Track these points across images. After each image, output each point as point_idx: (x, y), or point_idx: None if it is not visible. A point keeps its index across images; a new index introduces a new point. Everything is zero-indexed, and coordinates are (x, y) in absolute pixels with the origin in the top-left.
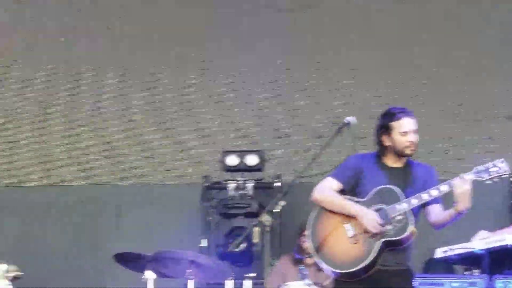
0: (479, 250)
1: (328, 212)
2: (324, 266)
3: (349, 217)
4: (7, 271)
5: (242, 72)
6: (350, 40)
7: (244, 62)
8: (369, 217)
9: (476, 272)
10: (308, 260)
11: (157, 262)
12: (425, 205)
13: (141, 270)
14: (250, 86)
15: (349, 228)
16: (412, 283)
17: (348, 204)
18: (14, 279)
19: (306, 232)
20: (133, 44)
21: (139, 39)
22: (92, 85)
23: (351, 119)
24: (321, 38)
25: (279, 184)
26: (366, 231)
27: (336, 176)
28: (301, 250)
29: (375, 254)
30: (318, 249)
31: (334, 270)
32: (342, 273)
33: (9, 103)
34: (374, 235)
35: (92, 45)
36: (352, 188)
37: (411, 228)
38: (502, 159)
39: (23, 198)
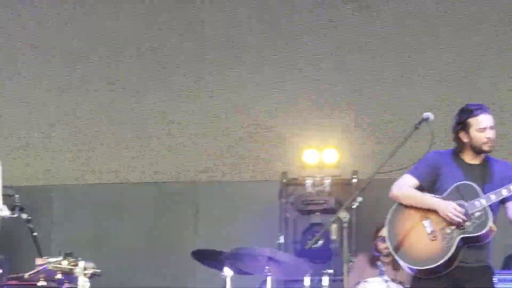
0: None
1: (407, 209)
2: (402, 263)
3: (428, 214)
4: (86, 269)
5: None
6: (433, 39)
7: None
8: (450, 207)
9: None
10: (385, 258)
11: (235, 259)
12: (503, 201)
13: (219, 267)
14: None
15: (428, 225)
16: (492, 280)
17: (428, 198)
18: (92, 276)
19: (383, 232)
20: None
21: None
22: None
23: (429, 114)
24: (406, 37)
25: (356, 180)
26: (444, 227)
27: (414, 173)
28: (378, 249)
29: (454, 250)
30: (397, 247)
31: (412, 267)
32: (421, 269)
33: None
34: (453, 231)
35: None
36: (430, 185)
37: (490, 224)
38: None
39: (100, 195)
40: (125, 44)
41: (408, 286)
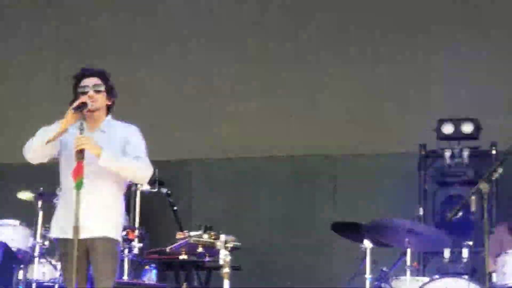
0: None
1: None
2: None
3: None
4: (227, 242)
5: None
6: None
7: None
8: None
9: None
10: None
11: (375, 231)
12: None
13: (359, 239)
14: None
15: None
16: None
17: None
18: (232, 250)
19: None
20: None
21: None
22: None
23: None
24: None
25: (495, 151)
26: None
27: None
28: None
29: None
30: None
31: None
32: None
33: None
34: None
35: None
36: None
37: None
38: None
39: (239, 169)
40: None
41: None
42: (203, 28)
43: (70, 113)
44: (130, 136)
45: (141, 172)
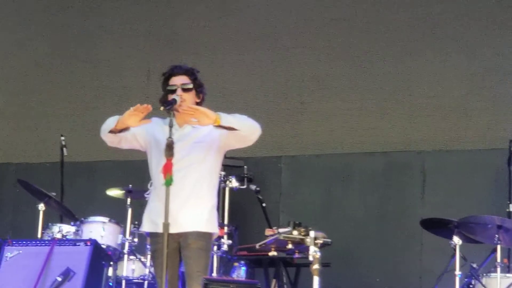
0: None
1: None
2: None
3: None
4: (316, 238)
5: None
6: None
7: None
8: None
9: None
10: None
11: (464, 227)
12: None
13: (448, 235)
14: None
15: None
16: None
17: None
18: (322, 246)
19: None
20: None
21: None
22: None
23: None
24: None
25: None
26: None
27: None
28: None
29: None
30: None
31: None
32: None
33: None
34: None
35: None
36: None
37: None
38: None
39: (327, 165)
40: None
41: None
42: (292, 25)
43: (128, 113)
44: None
45: (256, 125)
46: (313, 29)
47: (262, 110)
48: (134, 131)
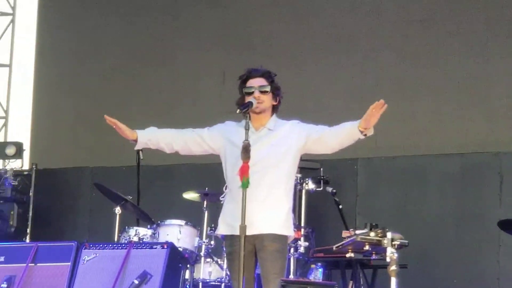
0: None
1: None
2: None
3: None
4: (393, 239)
5: None
6: None
7: None
8: None
9: None
10: None
11: None
12: None
13: None
14: None
15: None
16: None
17: None
18: (400, 247)
19: None
20: None
21: None
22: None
23: None
24: None
25: None
26: None
27: None
28: None
29: None
30: None
31: None
32: None
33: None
34: None
35: None
36: None
37: None
38: None
39: (403, 167)
40: None
41: None
42: (369, 27)
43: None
44: (298, 123)
45: None
46: (390, 32)
47: (339, 114)
48: (203, 135)
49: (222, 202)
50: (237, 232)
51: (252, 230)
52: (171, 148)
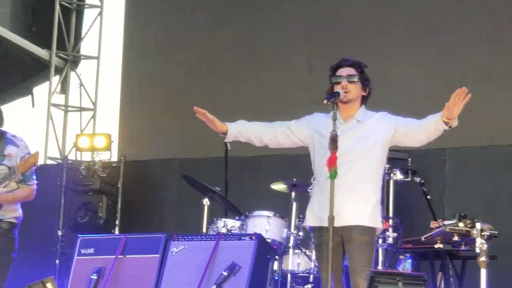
0: None
1: None
2: None
3: None
4: (483, 230)
5: None
6: None
7: None
8: None
9: None
10: None
11: None
12: None
13: None
14: None
15: None
16: None
17: None
18: (489, 238)
19: None
20: None
21: None
22: None
23: None
24: None
25: None
26: None
27: None
28: None
29: None
30: None
31: None
32: None
33: None
34: None
35: None
36: None
37: None
38: None
39: (492, 156)
40: None
41: None
42: (454, 16)
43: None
44: (386, 115)
45: None
46: (476, 20)
47: (425, 102)
48: (292, 127)
49: (310, 193)
50: (325, 224)
51: (339, 221)
52: (261, 141)
